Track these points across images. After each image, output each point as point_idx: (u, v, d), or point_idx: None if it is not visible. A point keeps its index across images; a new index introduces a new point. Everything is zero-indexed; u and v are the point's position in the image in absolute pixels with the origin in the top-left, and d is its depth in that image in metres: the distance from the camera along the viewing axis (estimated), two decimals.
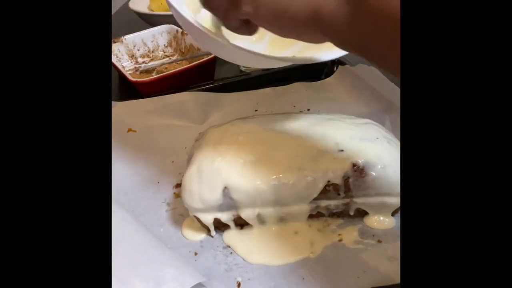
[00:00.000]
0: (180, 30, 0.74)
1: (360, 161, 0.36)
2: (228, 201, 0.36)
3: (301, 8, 0.24)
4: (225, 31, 0.39)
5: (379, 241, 0.36)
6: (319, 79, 0.60)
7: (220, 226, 0.39)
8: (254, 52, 0.36)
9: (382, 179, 0.36)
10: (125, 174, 0.47)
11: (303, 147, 0.37)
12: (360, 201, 0.37)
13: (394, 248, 0.35)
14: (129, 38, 0.75)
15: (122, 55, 0.75)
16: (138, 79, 0.58)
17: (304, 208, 0.37)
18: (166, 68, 0.71)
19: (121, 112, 0.55)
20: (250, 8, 0.26)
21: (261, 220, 0.38)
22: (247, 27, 0.29)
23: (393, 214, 0.38)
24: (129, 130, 0.54)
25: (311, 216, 0.38)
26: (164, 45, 0.78)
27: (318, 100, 0.56)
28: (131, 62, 0.76)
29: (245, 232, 0.39)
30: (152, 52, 0.78)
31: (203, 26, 0.34)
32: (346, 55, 0.34)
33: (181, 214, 0.41)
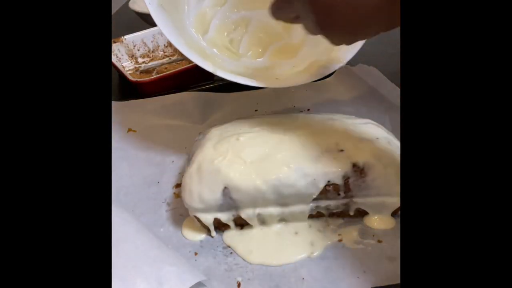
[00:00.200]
0: None
1: (360, 161, 0.36)
2: (228, 201, 0.36)
3: None
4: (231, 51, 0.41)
5: (379, 241, 0.36)
6: (319, 79, 0.60)
7: (220, 226, 0.39)
8: (239, 79, 0.38)
9: (382, 179, 0.36)
10: (125, 174, 0.47)
11: (303, 147, 0.37)
12: (360, 201, 0.37)
13: (394, 248, 0.35)
14: (129, 38, 0.75)
15: (122, 55, 0.74)
16: (138, 79, 0.58)
17: (304, 208, 0.37)
18: (166, 68, 0.71)
19: (121, 112, 0.55)
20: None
21: (261, 220, 0.38)
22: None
23: (393, 214, 0.38)
24: (129, 130, 0.54)
25: (311, 216, 0.38)
26: (164, 45, 0.78)
27: (318, 100, 0.56)
28: (131, 62, 0.76)
29: (245, 232, 0.39)
30: (152, 52, 0.78)
31: (193, 55, 0.36)
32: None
33: (181, 214, 0.41)
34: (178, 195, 0.44)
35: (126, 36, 0.75)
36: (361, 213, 0.38)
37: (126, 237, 0.33)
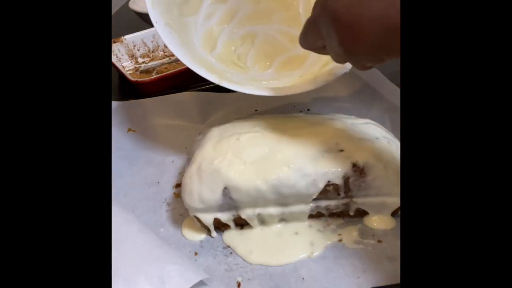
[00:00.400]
0: None
1: (360, 161, 0.36)
2: (228, 201, 0.36)
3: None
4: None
5: (379, 241, 0.36)
6: None
7: (220, 226, 0.39)
8: (244, 89, 0.39)
9: (382, 179, 0.36)
10: (125, 174, 0.47)
11: (303, 147, 0.37)
12: (360, 201, 0.37)
13: (394, 248, 0.35)
14: (129, 38, 0.75)
15: (122, 55, 0.74)
16: (138, 79, 0.58)
17: (304, 208, 0.37)
18: (166, 68, 0.71)
19: (121, 112, 0.55)
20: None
21: (261, 220, 0.38)
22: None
23: (393, 214, 0.38)
24: (129, 130, 0.54)
25: (311, 216, 0.38)
26: (164, 45, 0.78)
27: (318, 100, 0.56)
28: (131, 62, 0.76)
29: (245, 232, 0.39)
30: (152, 52, 0.77)
31: (199, 68, 0.39)
32: None
33: (181, 214, 0.41)
34: (178, 195, 0.44)
35: (126, 36, 0.75)
36: (361, 213, 0.38)
37: (128, 237, 0.33)
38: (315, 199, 0.37)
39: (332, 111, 0.52)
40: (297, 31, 0.33)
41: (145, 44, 0.77)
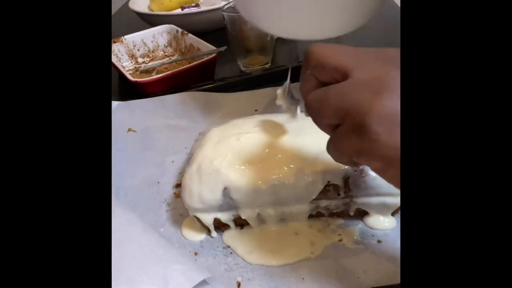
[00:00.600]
0: (180, 30, 0.74)
1: None
2: (228, 201, 0.36)
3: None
4: None
5: (379, 241, 0.36)
6: None
7: (220, 226, 0.39)
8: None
9: (382, 179, 0.36)
10: (125, 174, 0.47)
11: (303, 147, 0.37)
12: (360, 201, 0.37)
13: (394, 248, 0.35)
14: (129, 38, 0.75)
15: (122, 55, 0.75)
16: (138, 79, 0.58)
17: (304, 208, 0.37)
18: (166, 68, 0.71)
19: (121, 112, 0.55)
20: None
21: (261, 220, 0.38)
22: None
23: (393, 214, 0.38)
24: (129, 130, 0.54)
25: (311, 216, 0.38)
26: (164, 45, 0.78)
27: None
28: (131, 62, 0.76)
29: (245, 232, 0.39)
30: (152, 52, 0.78)
31: None
32: None
33: (181, 214, 0.41)
34: (178, 195, 0.44)
35: (126, 36, 0.75)
36: (361, 213, 0.38)
37: (131, 238, 0.33)
38: (315, 199, 0.37)
39: None
40: None
41: (145, 44, 0.77)
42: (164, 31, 0.77)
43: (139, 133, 0.53)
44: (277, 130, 0.39)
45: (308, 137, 0.38)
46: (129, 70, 0.72)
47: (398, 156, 0.21)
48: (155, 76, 0.59)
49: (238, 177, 0.35)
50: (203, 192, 0.36)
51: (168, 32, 0.77)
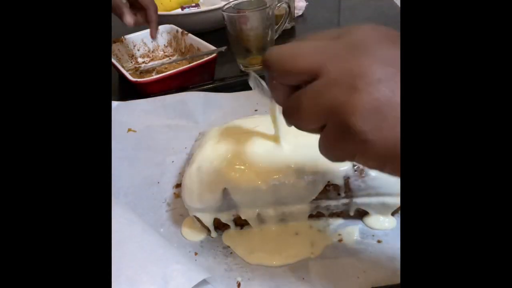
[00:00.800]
0: (180, 30, 0.74)
1: None
2: (228, 201, 0.36)
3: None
4: None
5: (379, 241, 0.36)
6: None
7: (220, 226, 0.39)
8: None
9: (382, 179, 0.36)
10: (125, 174, 0.47)
11: (303, 147, 0.37)
12: (360, 201, 0.37)
13: (394, 248, 0.35)
14: (129, 38, 0.75)
15: (122, 55, 0.75)
16: (138, 79, 0.58)
17: (304, 208, 0.37)
18: (166, 68, 0.71)
19: (121, 112, 0.55)
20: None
21: (261, 220, 0.38)
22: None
23: (393, 214, 0.38)
24: (129, 130, 0.54)
25: (311, 216, 0.38)
26: (164, 45, 0.78)
27: None
28: (131, 62, 0.76)
29: (245, 232, 0.39)
30: (152, 52, 0.78)
31: None
32: None
33: (181, 214, 0.41)
34: (178, 195, 0.44)
35: (126, 36, 0.75)
36: (361, 213, 0.38)
37: (132, 238, 0.33)
38: (315, 199, 0.37)
39: None
40: None
41: (145, 44, 0.77)
42: (164, 31, 0.77)
43: (139, 133, 0.53)
44: (277, 130, 0.39)
45: (308, 137, 0.38)
46: (129, 70, 0.72)
47: (392, 153, 0.20)
48: (155, 76, 0.59)
49: (238, 177, 0.35)
50: (203, 192, 0.36)
51: (168, 32, 0.77)
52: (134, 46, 0.76)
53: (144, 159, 0.49)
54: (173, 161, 0.49)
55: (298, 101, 0.22)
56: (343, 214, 0.39)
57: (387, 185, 0.36)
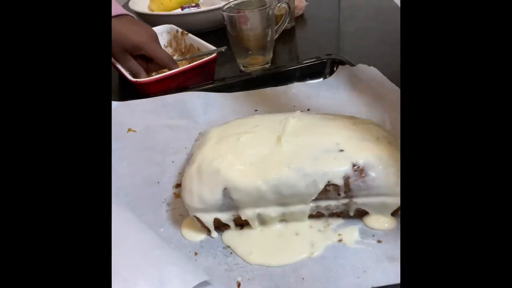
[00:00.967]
0: (180, 30, 0.74)
1: (360, 161, 0.36)
2: (228, 201, 0.36)
3: None
4: None
5: (379, 241, 0.36)
6: (319, 78, 0.60)
7: (220, 226, 0.39)
8: None
9: (382, 179, 0.36)
10: (125, 174, 0.47)
11: (303, 147, 0.37)
12: (360, 201, 0.37)
13: (394, 248, 0.35)
14: None
15: None
16: (138, 79, 0.58)
17: (304, 208, 0.37)
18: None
19: (121, 112, 0.55)
20: None
21: (261, 220, 0.38)
22: None
23: (393, 214, 0.38)
24: (129, 130, 0.54)
25: (311, 216, 0.38)
26: (164, 45, 0.78)
27: (318, 100, 0.56)
28: None
29: (245, 232, 0.39)
30: None
31: None
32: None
33: (181, 214, 0.41)
34: (178, 195, 0.44)
35: None
36: (361, 213, 0.38)
37: (128, 237, 0.33)
38: (315, 199, 0.37)
39: (332, 111, 0.52)
40: None
41: None
42: (164, 31, 0.77)
43: (139, 133, 0.53)
44: (277, 130, 0.39)
45: (308, 137, 0.38)
46: None
47: None
48: (155, 76, 0.59)
49: (238, 177, 0.35)
50: (203, 192, 0.36)
51: (168, 32, 0.77)
52: None
53: (144, 159, 0.49)
54: (173, 161, 0.49)
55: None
56: (343, 214, 0.39)
57: (387, 185, 0.36)
